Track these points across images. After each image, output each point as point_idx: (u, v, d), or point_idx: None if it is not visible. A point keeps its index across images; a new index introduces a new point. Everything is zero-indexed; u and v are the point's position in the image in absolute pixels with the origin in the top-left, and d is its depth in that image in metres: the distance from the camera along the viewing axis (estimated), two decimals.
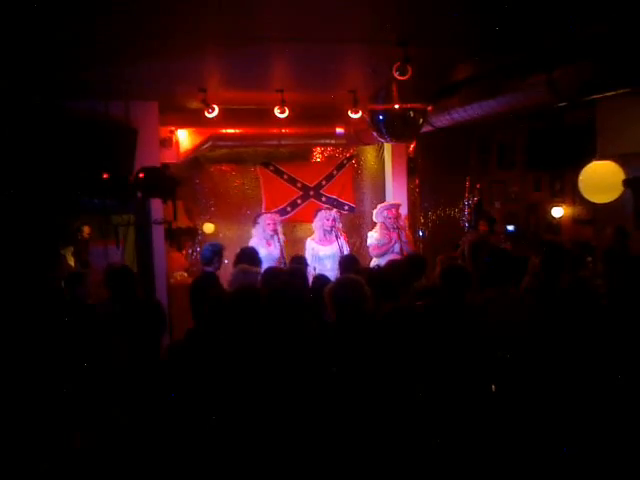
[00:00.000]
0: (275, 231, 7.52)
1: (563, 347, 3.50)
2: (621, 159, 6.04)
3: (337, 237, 7.55)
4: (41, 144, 5.79)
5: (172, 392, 3.15)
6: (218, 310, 3.56)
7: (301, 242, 8.26)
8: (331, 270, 6.90)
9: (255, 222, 7.82)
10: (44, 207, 5.92)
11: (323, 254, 7.56)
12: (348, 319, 3.62)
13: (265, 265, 5.79)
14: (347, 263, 5.60)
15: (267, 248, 7.40)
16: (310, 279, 5.68)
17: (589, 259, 6.19)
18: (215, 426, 3.01)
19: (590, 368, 3.37)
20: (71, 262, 7.49)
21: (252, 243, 7.40)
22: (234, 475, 2.95)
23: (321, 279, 5.04)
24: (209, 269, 5.78)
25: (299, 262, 6.17)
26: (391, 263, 5.65)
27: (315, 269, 7.26)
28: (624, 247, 5.94)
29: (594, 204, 6.82)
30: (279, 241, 7.45)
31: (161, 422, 3.06)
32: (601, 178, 5.97)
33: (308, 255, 7.60)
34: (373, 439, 2.95)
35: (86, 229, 7.75)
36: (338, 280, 3.93)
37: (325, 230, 7.62)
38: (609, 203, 6.10)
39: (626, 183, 5.85)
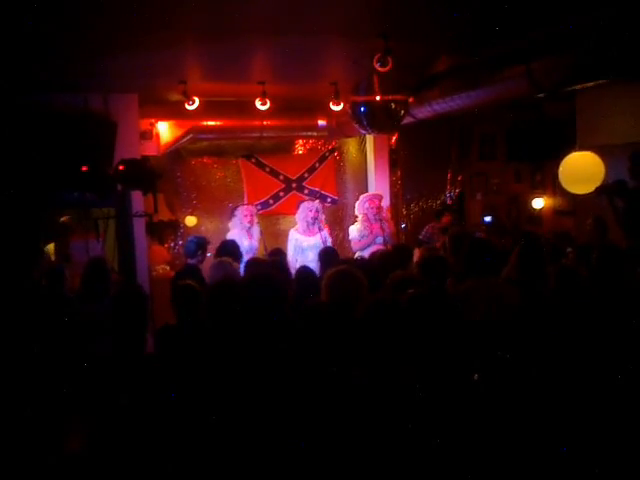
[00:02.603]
0: (252, 223, 7.53)
1: (549, 336, 3.53)
2: (600, 150, 6.10)
3: (320, 229, 7.55)
4: (19, 138, 5.72)
5: (158, 386, 3.14)
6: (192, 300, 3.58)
7: (284, 235, 8.25)
8: (313, 261, 6.90)
9: (232, 215, 7.80)
10: (22, 201, 5.85)
11: (307, 245, 7.53)
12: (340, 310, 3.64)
13: (246, 257, 5.77)
14: (327, 255, 5.60)
15: (248, 240, 7.39)
16: (292, 270, 5.69)
17: (569, 250, 6.24)
18: (210, 423, 2.99)
19: (575, 356, 3.41)
20: (52, 256, 7.40)
21: (231, 236, 7.35)
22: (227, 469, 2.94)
23: (305, 270, 5.05)
24: (192, 262, 5.78)
25: (278, 255, 6.14)
26: (379, 254, 5.66)
27: (297, 260, 7.26)
28: (603, 237, 5.99)
29: (574, 195, 6.89)
30: (256, 233, 7.47)
31: (152, 418, 3.05)
32: (581, 169, 6.03)
33: (291, 246, 7.58)
34: (362, 433, 2.95)
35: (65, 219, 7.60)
36: (340, 270, 3.91)
37: (308, 221, 7.61)
38: (589, 194, 6.15)
39: (600, 190, 5.89)
